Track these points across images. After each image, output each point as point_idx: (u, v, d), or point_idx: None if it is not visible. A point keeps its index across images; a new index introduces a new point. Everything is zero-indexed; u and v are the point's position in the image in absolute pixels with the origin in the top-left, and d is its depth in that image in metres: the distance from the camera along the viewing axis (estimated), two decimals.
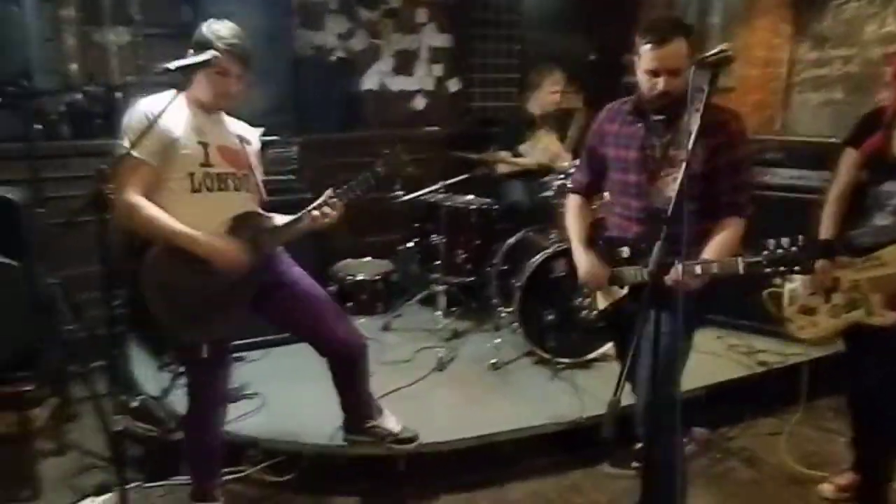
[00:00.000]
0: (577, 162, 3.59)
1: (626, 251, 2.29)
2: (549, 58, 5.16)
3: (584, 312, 2.45)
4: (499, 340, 3.65)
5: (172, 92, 2.08)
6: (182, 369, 3.14)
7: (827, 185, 2.59)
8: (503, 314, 3.80)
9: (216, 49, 2.13)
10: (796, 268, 1.92)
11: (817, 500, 2.76)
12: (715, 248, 2.13)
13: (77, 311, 3.33)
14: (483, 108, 5.33)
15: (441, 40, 5.22)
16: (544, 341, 3.50)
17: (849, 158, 2.48)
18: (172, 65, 1.91)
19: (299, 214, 2.35)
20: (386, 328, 4.06)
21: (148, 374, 3.43)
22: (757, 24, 4.59)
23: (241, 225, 2.27)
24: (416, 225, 4.19)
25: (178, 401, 3.08)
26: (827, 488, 2.77)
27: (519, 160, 4.19)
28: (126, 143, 2.08)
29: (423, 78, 5.22)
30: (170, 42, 4.29)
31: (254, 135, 2.49)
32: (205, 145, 2.22)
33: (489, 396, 3.30)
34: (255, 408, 3.07)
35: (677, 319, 1.91)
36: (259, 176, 2.46)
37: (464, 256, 4.01)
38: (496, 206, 4.14)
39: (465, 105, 5.33)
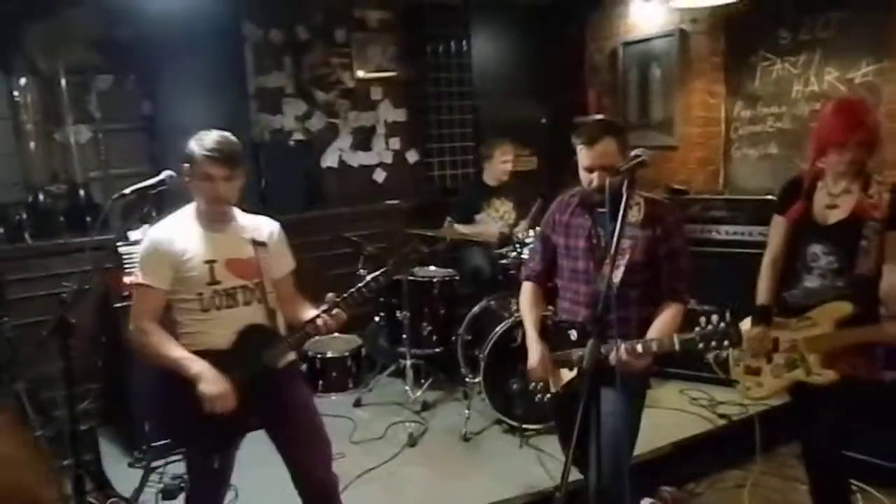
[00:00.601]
0: (532, 235, 3.76)
1: (573, 334, 2.40)
2: (503, 124, 5.42)
3: (538, 396, 2.54)
4: (468, 412, 3.71)
5: (179, 213, 2.17)
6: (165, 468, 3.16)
7: (766, 238, 2.74)
8: (471, 383, 3.88)
9: (195, 159, 2.19)
10: (726, 342, 2.05)
11: None
12: (656, 330, 2.27)
13: (44, 412, 3.34)
14: (443, 177, 5.50)
15: (397, 115, 5.41)
16: (511, 409, 3.57)
17: (777, 226, 2.65)
18: (127, 190, 2.01)
19: (304, 324, 2.35)
20: (357, 404, 4.10)
21: (119, 472, 3.42)
22: (693, 87, 4.86)
23: (246, 339, 2.29)
24: (382, 300, 4.27)
25: (149, 501, 3.09)
26: None
27: (473, 233, 4.32)
28: (138, 272, 2.19)
29: (381, 152, 5.39)
30: (131, 136, 4.43)
31: (269, 230, 2.47)
32: (211, 263, 2.26)
33: (460, 470, 3.35)
34: (227, 501, 3.07)
35: (620, 399, 2.01)
36: (284, 270, 2.48)
37: (429, 329, 4.10)
38: (457, 277, 4.25)
39: (424, 175, 5.49)
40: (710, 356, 2.08)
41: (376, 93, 5.32)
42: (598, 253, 2.36)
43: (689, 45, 4.86)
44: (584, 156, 2.30)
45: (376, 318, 4.37)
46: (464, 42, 5.46)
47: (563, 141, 5.92)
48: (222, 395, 2.17)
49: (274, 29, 4.86)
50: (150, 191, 2.06)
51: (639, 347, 2.17)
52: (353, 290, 2.34)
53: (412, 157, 5.49)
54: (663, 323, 2.28)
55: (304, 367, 4.28)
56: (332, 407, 4.06)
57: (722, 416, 3.68)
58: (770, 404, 3.53)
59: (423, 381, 4.14)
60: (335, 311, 2.32)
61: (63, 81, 4.19)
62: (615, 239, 1.92)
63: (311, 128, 5.09)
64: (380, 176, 5.38)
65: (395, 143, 5.42)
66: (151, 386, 2.31)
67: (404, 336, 4.04)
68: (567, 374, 2.42)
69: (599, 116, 2.40)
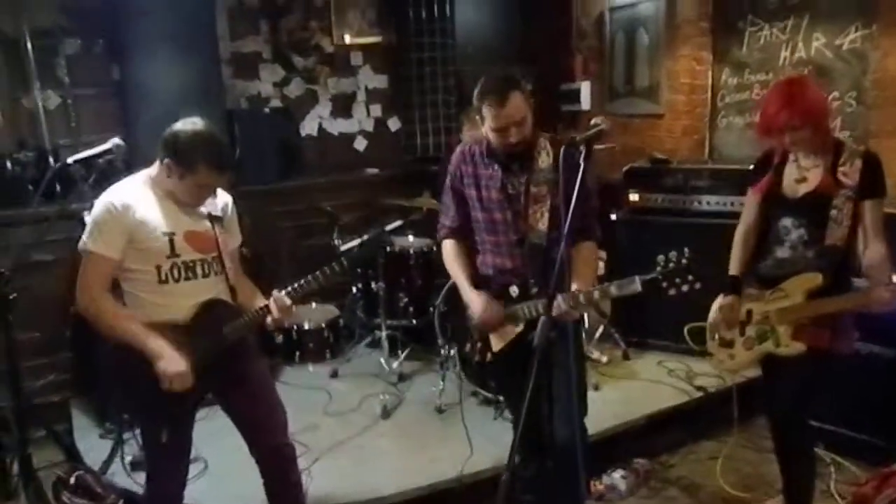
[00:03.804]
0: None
1: (514, 290, 2.36)
2: None
3: (478, 357, 2.50)
4: (441, 386, 3.67)
5: (137, 178, 2.09)
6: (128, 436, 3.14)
7: None
8: (447, 354, 3.83)
9: (197, 167, 2.11)
10: (690, 277, 2.02)
11: None
12: (584, 273, 2.28)
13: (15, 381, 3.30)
14: (426, 145, 5.38)
15: (378, 81, 5.29)
16: (486, 381, 3.54)
17: (750, 199, 2.60)
18: (70, 159, 1.93)
19: (259, 309, 2.33)
20: (334, 375, 4.07)
21: (91, 443, 3.39)
22: (679, 53, 4.73)
23: (205, 314, 2.26)
24: (359, 270, 4.21)
25: (119, 472, 3.07)
26: None
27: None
28: (87, 238, 2.10)
29: (362, 119, 5.28)
30: (102, 102, 4.31)
31: (223, 202, 2.41)
32: (171, 235, 2.19)
33: (432, 442, 3.32)
34: (197, 472, 3.05)
35: (570, 353, 2.06)
36: (232, 245, 2.44)
37: (405, 300, 4.05)
38: (435, 247, 4.18)
39: (406, 143, 5.38)
40: (672, 292, 2.02)
41: (357, 58, 5.19)
42: (515, 204, 2.35)
43: (676, 9, 4.73)
44: (493, 116, 2.22)
45: (353, 289, 4.32)
46: (446, 5, 5.30)
47: (549, 107, 5.79)
48: (180, 374, 2.12)
49: None
50: (96, 159, 1.98)
51: (596, 294, 2.18)
52: (297, 284, 2.30)
53: (394, 124, 5.38)
54: (586, 264, 2.32)
55: (280, 338, 4.24)
56: (308, 379, 4.04)
57: (699, 387, 3.65)
58: (748, 376, 3.52)
59: (399, 352, 4.09)
60: (282, 304, 2.28)
61: (29, 45, 4.07)
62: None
63: (290, 94, 4.98)
64: (361, 144, 5.28)
65: (377, 110, 5.31)
66: (107, 358, 2.25)
67: (380, 307, 3.99)
68: (512, 331, 2.38)
69: (497, 72, 2.29)
